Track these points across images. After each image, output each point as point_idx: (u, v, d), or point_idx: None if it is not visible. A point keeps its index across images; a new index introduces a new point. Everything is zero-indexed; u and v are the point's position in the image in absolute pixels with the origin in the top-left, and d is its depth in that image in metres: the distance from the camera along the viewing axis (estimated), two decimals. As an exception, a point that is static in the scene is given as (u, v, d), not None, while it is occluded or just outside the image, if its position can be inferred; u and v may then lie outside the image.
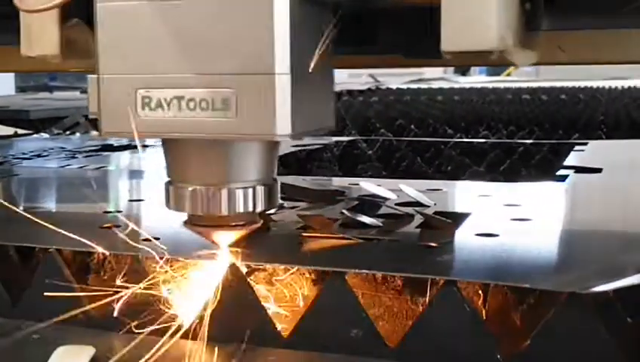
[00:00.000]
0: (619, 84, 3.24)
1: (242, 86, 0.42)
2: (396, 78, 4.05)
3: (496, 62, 0.49)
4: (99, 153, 1.20)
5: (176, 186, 0.49)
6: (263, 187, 0.49)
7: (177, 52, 0.43)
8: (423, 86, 3.63)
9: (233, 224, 0.50)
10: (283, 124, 0.43)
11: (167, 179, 0.50)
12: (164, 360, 0.46)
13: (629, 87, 3.03)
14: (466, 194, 0.83)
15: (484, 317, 0.48)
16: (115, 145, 1.29)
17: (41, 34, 0.45)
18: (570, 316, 0.45)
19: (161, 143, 0.49)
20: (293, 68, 0.42)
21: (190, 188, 0.48)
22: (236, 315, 0.50)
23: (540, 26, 0.47)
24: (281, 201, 0.70)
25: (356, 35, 0.58)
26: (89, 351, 0.46)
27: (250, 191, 0.48)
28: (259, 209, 0.49)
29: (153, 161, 1.19)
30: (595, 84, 3.29)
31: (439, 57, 0.44)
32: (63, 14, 0.45)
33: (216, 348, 0.48)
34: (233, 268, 0.50)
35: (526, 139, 1.38)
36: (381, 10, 0.55)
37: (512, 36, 0.42)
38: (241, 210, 0.48)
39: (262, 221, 0.52)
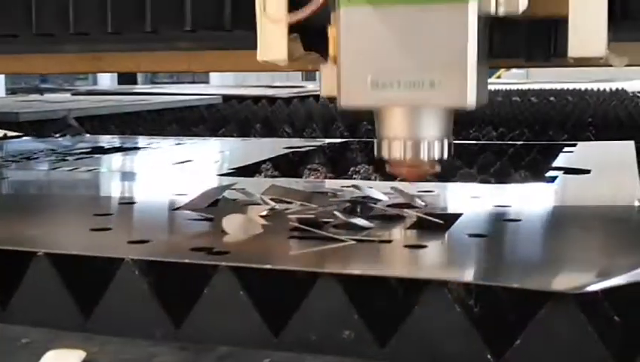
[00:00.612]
0: (607, 86, 3.26)
1: (444, 70, 0.56)
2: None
3: (600, 64, 0.60)
4: (89, 155, 1.20)
5: (389, 140, 0.61)
6: (444, 141, 0.61)
7: (398, 50, 0.57)
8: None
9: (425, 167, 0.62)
10: (471, 97, 0.56)
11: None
12: None
13: (617, 89, 3.05)
14: (457, 196, 0.83)
15: (475, 318, 0.49)
16: (106, 147, 1.29)
17: (274, 43, 0.59)
18: (559, 316, 0.45)
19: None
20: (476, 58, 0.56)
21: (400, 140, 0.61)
22: (225, 316, 0.50)
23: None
24: (272, 203, 0.70)
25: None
26: (79, 354, 0.46)
27: (438, 143, 0.61)
28: (445, 156, 0.62)
29: (144, 162, 1.20)
30: (583, 86, 3.32)
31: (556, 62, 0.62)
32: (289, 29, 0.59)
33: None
34: (223, 270, 0.51)
35: (516, 141, 1.38)
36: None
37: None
38: (436, 156, 0.61)
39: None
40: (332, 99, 0.62)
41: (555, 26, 0.61)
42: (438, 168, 0.63)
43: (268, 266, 0.51)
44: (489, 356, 0.46)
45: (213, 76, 5.77)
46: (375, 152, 0.63)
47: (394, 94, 0.57)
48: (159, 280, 0.52)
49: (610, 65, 0.58)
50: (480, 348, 0.47)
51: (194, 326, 0.51)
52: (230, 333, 0.50)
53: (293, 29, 0.59)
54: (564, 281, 0.48)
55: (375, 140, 0.63)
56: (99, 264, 0.53)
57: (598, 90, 3.13)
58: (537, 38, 0.64)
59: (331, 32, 0.59)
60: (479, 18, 0.55)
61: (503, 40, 0.69)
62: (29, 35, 0.79)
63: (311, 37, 0.61)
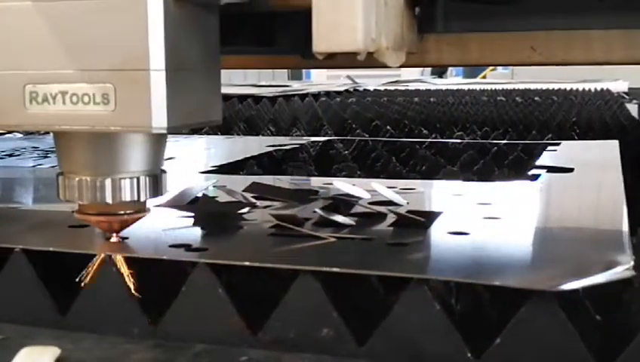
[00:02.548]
0: (591, 86, 3.28)
1: (120, 81, 0.46)
2: (374, 80, 4.08)
3: (365, 64, 0.52)
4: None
5: (65, 177, 0.52)
6: (147, 177, 0.52)
7: (60, 50, 0.47)
8: (400, 87, 3.65)
9: (121, 213, 0.53)
10: (159, 118, 0.46)
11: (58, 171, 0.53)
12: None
13: (602, 90, 3.07)
14: (438, 194, 0.83)
15: (455, 316, 0.48)
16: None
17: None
18: (539, 314, 0.45)
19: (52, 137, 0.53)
20: (169, 64, 0.46)
21: (77, 179, 0.51)
22: (203, 314, 0.50)
23: (436, 28, 0.49)
24: (253, 201, 0.70)
25: (255, 35, 0.61)
26: (54, 351, 0.46)
27: (135, 181, 0.51)
28: (143, 198, 0.52)
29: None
30: (568, 86, 3.33)
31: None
32: None
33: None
34: (201, 266, 0.50)
35: (500, 140, 1.38)
36: (277, 12, 0.58)
37: (389, 39, 0.47)
38: (127, 199, 0.51)
39: (149, 209, 0.55)
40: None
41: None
42: (144, 212, 0.54)
43: (247, 263, 0.50)
44: (469, 354, 0.46)
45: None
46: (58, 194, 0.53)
47: (59, 112, 0.47)
48: (137, 276, 0.52)
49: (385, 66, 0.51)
50: (460, 346, 0.46)
51: (172, 324, 0.50)
52: (208, 331, 0.49)
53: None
54: (544, 279, 0.47)
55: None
56: (76, 260, 0.53)
57: (584, 90, 3.14)
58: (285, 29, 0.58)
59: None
60: (181, 9, 0.47)
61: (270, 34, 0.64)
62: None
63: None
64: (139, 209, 0.54)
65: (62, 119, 0.47)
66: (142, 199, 0.52)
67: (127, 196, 0.51)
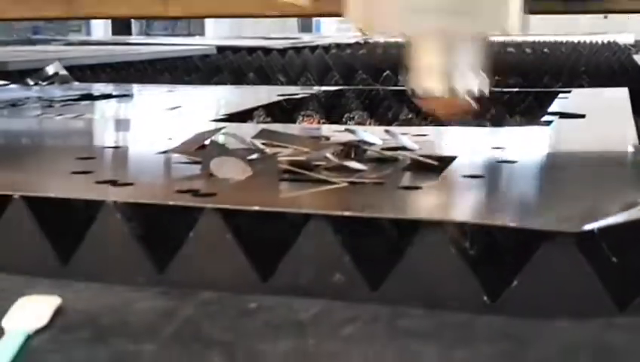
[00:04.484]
0: (599, 38, 3.27)
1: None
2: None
3: None
4: (76, 102, 1.17)
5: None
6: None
7: None
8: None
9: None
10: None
11: None
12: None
13: (609, 42, 3.06)
14: (451, 139, 0.81)
15: (471, 259, 0.47)
16: (95, 94, 1.26)
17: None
18: (557, 256, 0.44)
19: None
20: None
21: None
22: (211, 261, 0.49)
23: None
24: (262, 147, 0.69)
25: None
26: (54, 301, 0.44)
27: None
28: (485, 92, 0.60)
29: (133, 109, 1.18)
30: (576, 38, 3.33)
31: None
32: None
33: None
34: (209, 212, 0.49)
35: (511, 88, 1.37)
36: None
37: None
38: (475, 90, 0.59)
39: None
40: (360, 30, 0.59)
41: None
42: (474, 105, 0.59)
43: (256, 208, 0.49)
44: (485, 298, 0.45)
45: (209, 29, 5.73)
46: (404, 85, 0.59)
47: (430, 20, 0.54)
48: (142, 223, 0.50)
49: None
50: (476, 290, 0.45)
51: (178, 271, 0.49)
52: (216, 278, 0.48)
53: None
54: (561, 221, 0.46)
55: (403, 72, 0.60)
56: (78, 207, 0.51)
57: (591, 42, 3.14)
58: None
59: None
60: None
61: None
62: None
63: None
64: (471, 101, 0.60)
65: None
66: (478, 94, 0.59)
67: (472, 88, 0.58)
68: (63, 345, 0.40)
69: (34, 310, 0.43)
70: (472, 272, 0.45)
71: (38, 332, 0.41)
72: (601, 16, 4.67)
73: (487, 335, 0.42)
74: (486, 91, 0.58)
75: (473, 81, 0.57)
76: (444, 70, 0.57)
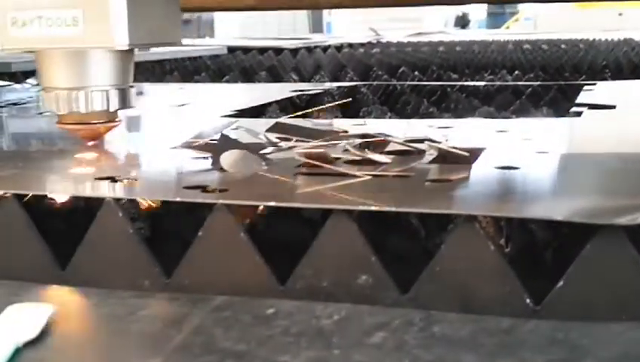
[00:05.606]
0: (614, 35, 3.27)
1: (87, 5, 0.56)
2: (395, 33, 4.06)
3: None
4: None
5: (46, 90, 0.61)
6: (117, 90, 0.61)
7: None
8: (424, 39, 3.62)
9: (94, 122, 0.62)
10: (120, 36, 0.56)
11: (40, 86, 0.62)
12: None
13: (625, 39, 3.06)
14: (478, 131, 0.77)
15: (510, 257, 0.43)
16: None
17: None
18: (607, 251, 0.40)
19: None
20: None
21: (56, 92, 0.60)
22: (223, 262, 0.44)
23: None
24: (276, 140, 0.64)
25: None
26: (46, 309, 0.40)
27: (105, 93, 0.61)
28: (112, 109, 0.61)
29: (141, 104, 1.14)
30: (591, 35, 3.32)
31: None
32: None
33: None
34: (220, 209, 0.44)
35: (532, 82, 1.34)
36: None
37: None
38: (98, 108, 0.61)
39: (120, 120, 0.64)
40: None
41: None
42: (116, 122, 0.62)
43: (272, 203, 0.45)
44: (527, 300, 0.41)
45: (219, 30, 5.74)
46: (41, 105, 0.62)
47: (37, 35, 0.56)
48: (147, 222, 0.46)
49: None
50: (517, 291, 0.41)
51: (187, 275, 0.45)
52: (229, 281, 0.44)
53: None
54: (610, 214, 0.42)
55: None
56: (77, 205, 0.47)
57: (607, 39, 3.12)
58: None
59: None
60: None
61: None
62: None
63: None
64: (111, 119, 0.62)
65: (40, 41, 0.57)
66: (111, 109, 0.61)
67: (98, 106, 0.60)
68: (56, 360, 0.37)
69: (24, 320, 0.38)
70: (512, 272, 0.41)
71: (27, 344, 0.37)
72: (615, 14, 4.67)
73: (534, 342, 0.37)
74: (121, 106, 0.61)
75: (98, 101, 0.60)
76: (66, 91, 0.59)
